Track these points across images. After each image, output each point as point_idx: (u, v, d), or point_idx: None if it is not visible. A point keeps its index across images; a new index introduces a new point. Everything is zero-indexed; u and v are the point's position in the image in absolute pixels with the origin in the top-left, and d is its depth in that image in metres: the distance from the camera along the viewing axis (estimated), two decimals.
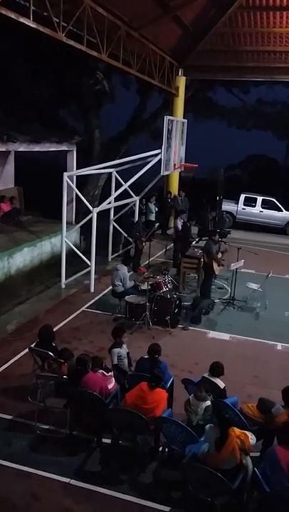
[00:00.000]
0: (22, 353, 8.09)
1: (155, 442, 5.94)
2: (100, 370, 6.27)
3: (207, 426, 5.25)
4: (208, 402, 5.77)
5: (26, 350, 7.63)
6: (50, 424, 6.35)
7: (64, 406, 6.29)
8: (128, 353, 7.12)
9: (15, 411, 6.59)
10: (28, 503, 5.12)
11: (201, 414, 5.71)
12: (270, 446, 5.29)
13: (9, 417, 6.50)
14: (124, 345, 7.07)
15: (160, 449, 5.92)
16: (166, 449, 5.84)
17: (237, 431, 5.08)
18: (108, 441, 6.05)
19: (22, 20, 8.39)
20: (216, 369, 6.26)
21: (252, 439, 5.20)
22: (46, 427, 6.31)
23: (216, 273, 11.17)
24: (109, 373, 6.34)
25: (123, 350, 6.99)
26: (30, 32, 9.00)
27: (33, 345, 7.14)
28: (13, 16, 8.14)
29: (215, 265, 10.82)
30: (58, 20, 9.44)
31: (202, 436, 5.30)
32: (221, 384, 6.24)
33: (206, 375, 6.32)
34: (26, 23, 8.50)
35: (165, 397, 5.93)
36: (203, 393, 5.80)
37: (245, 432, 5.21)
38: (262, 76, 18.60)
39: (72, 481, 5.43)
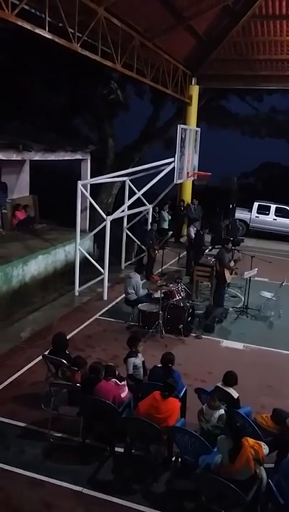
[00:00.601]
0: (35, 361, 8.12)
1: (168, 452, 5.90)
2: (113, 379, 6.26)
3: (219, 437, 5.20)
4: (222, 411, 5.72)
5: (40, 357, 7.66)
6: (63, 432, 6.35)
7: (77, 414, 6.28)
8: (144, 362, 7.08)
9: (28, 419, 6.60)
10: None
11: (215, 422, 5.66)
12: (285, 458, 5.22)
13: (22, 424, 6.52)
14: (140, 355, 7.04)
15: (173, 458, 5.87)
16: (180, 459, 5.79)
17: (250, 441, 5.03)
18: (121, 450, 6.03)
19: (38, 31, 8.55)
20: (230, 378, 6.21)
21: (265, 448, 5.14)
22: (59, 435, 6.31)
23: (228, 281, 11.12)
24: (122, 382, 6.32)
25: (138, 360, 6.95)
26: (46, 43, 9.15)
27: (46, 353, 7.17)
28: (29, 27, 8.31)
29: (227, 273, 10.78)
30: (73, 31, 9.58)
31: (215, 447, 5.25)
32: (235, 394, 6.18)
33: (219, 384, 6.27)
34: (42, 34, 8.66)
35: (178, 407, 5.89)
36: (216, 402, 5.75)
37: (258, 441, 5.16)
38: (275, 84, 18.61)
39: (85, 490, 5.42)
